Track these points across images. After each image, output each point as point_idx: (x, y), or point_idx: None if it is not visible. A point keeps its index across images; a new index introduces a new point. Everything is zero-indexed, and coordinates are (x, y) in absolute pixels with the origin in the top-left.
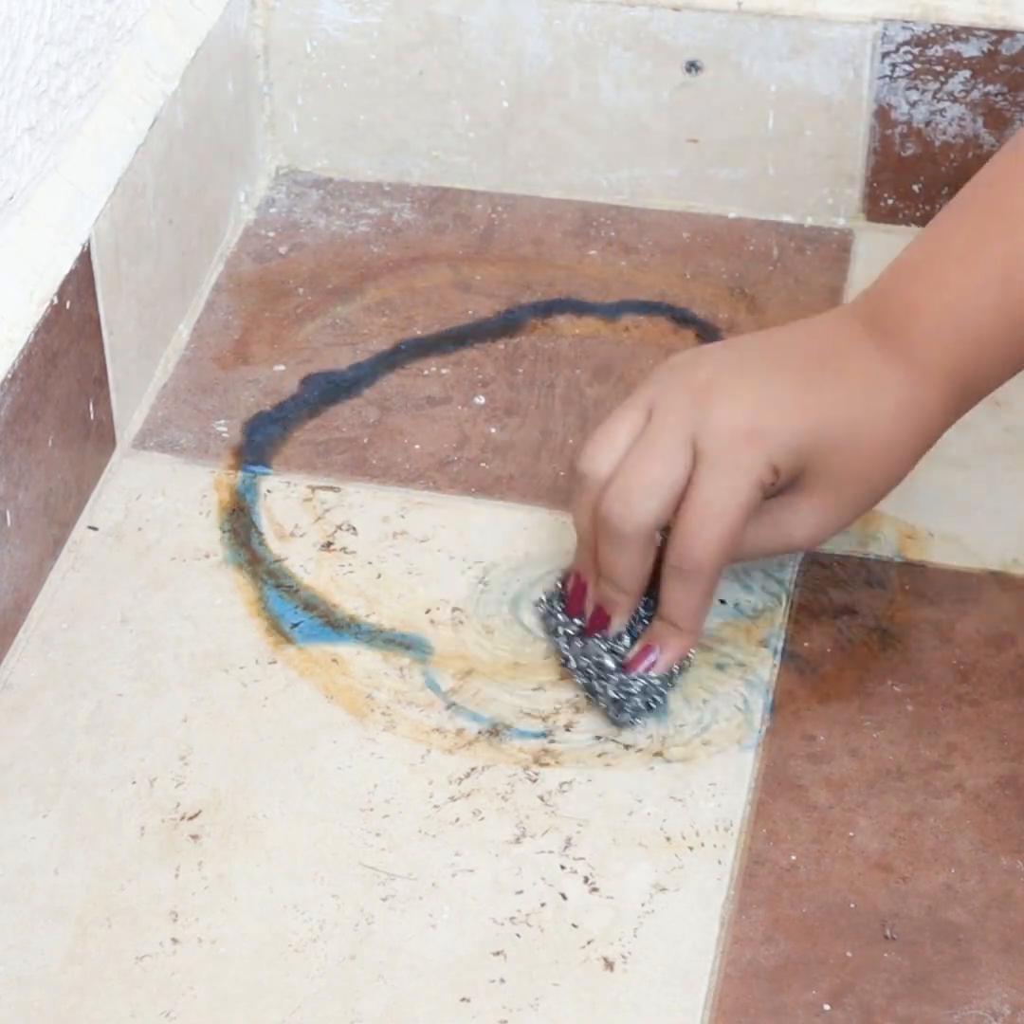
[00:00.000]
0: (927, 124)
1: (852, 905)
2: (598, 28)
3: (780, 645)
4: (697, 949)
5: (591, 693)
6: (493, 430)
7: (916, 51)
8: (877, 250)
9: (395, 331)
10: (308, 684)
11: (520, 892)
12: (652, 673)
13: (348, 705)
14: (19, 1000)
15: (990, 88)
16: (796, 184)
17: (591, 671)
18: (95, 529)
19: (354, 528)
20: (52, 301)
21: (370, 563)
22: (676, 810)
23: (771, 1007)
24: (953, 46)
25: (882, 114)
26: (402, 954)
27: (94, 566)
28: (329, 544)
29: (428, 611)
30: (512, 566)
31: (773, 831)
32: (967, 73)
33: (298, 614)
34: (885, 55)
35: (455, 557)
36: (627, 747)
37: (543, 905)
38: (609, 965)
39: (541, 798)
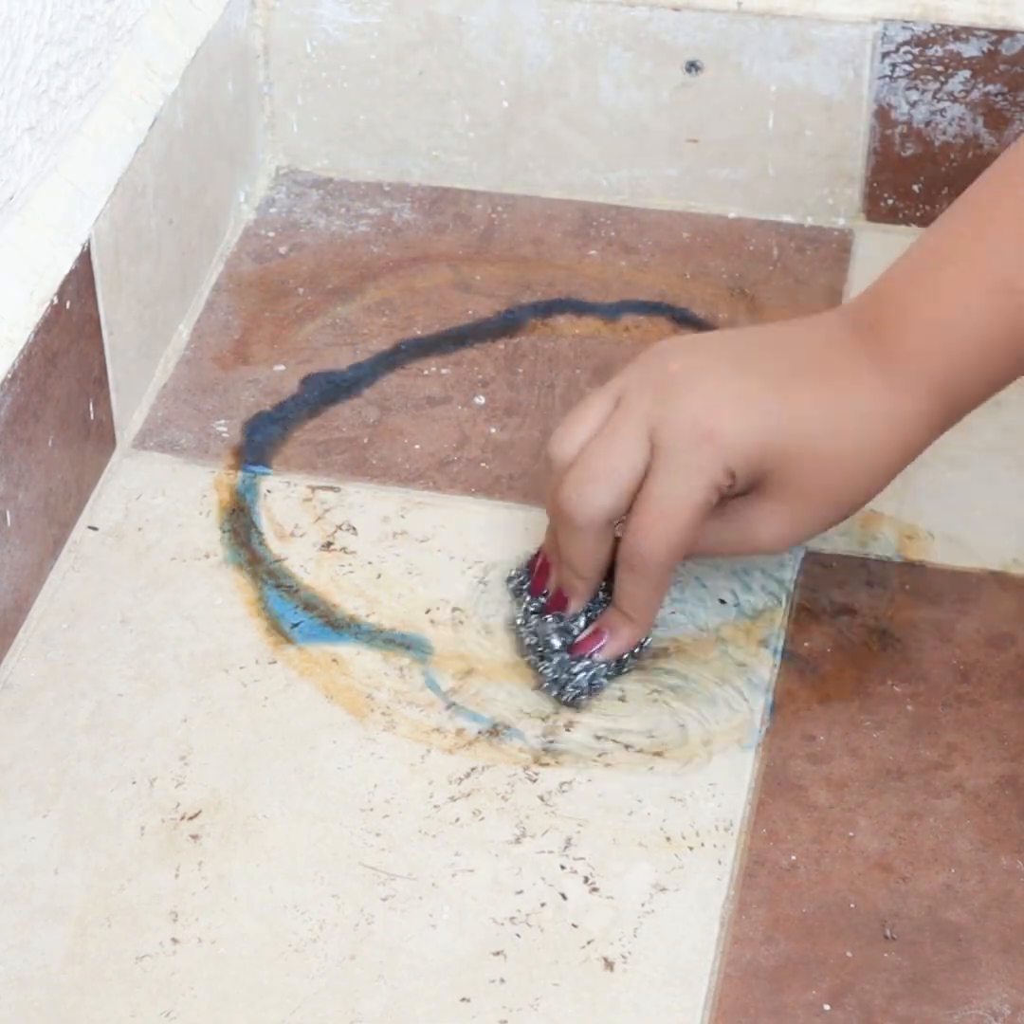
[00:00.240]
0: (927, 124)
1: (852, 905)
2: (598, 28)
3: (780, 645)
4: (697, 949)
5: (535, 671)
6: (493, 430)
7: (916, 51)
8: (877, 250)
9: (395, 331)
10: (308, 684)
11: (520, 892)
12: (598, 658)
13: (348, 705)
14: (19, 1000)
15: (990, 88)
16: (796, 184)
17: (538, 648)
18: (95, 529)
19: (354, 528)
20: (52, 301)
21: (370, 563)
22: (676, 810)
23: (771, 1007)
24: (953, 46)
25: (882, 114)
26: (402, 954)
27: (94, 566)
28: (329, 544)
29: (428, 611)
30: (512, 566)
31: (773, 831)
32: (967, 73)
33: (298, 614)
34: (885, 55)
35: (455, 557)
36: (627, 747)
37: (543, 905)
38: (609, 965)
39: (541, 798)
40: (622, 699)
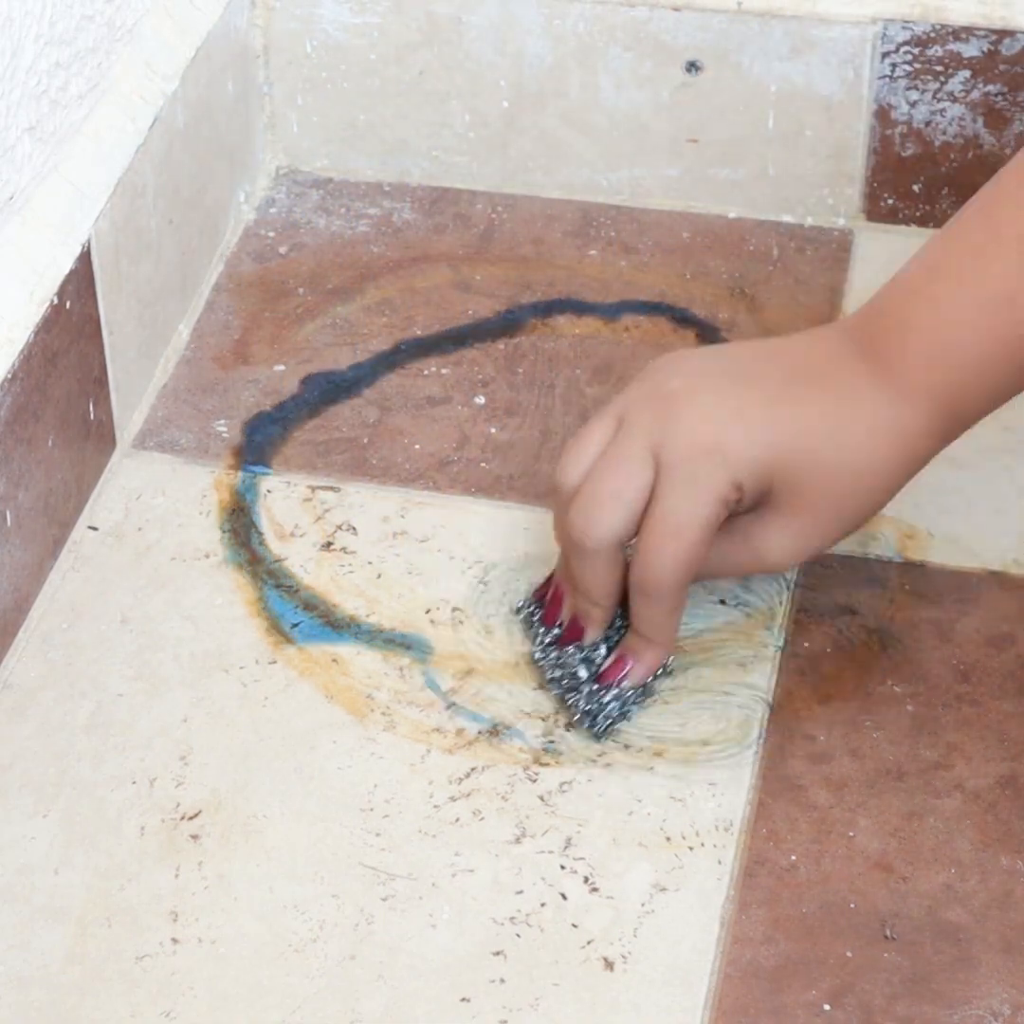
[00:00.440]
0: (927, 124)
1: (852, 905)
2: (598, 28)
3: (780, 645)
4: (697, 949)
5: (564, 703)
6: (493, 430)
7: (916, 51)
8: (877, 250)
9: (395, 331)
10: (308, 684)
11: (520, 892)
12: (626, 685)
13: (348, 705)
14: (19, 1000)
15: (990, 88)
16: (796, 184)
17: (565, 681)
18: (95, 529)
19: (354, 528)
20: (52, 301)
21: (370, 563)
22: (676, 810)
23: (771, 1007)
24: (953, 46)
25: (882, 114)
26: (402, 954)
27: (94, 566)
28: (329, 544)
29: (428, 611)
30: (512, 566)
31: (773, 831)
32: (967, 73)
33: (298, 614)
34: (885, 55)
35: (455, 557)
36: (627, 747)
37: (543, 905)
38: (609, 965)
39: (541, 798)
40: None
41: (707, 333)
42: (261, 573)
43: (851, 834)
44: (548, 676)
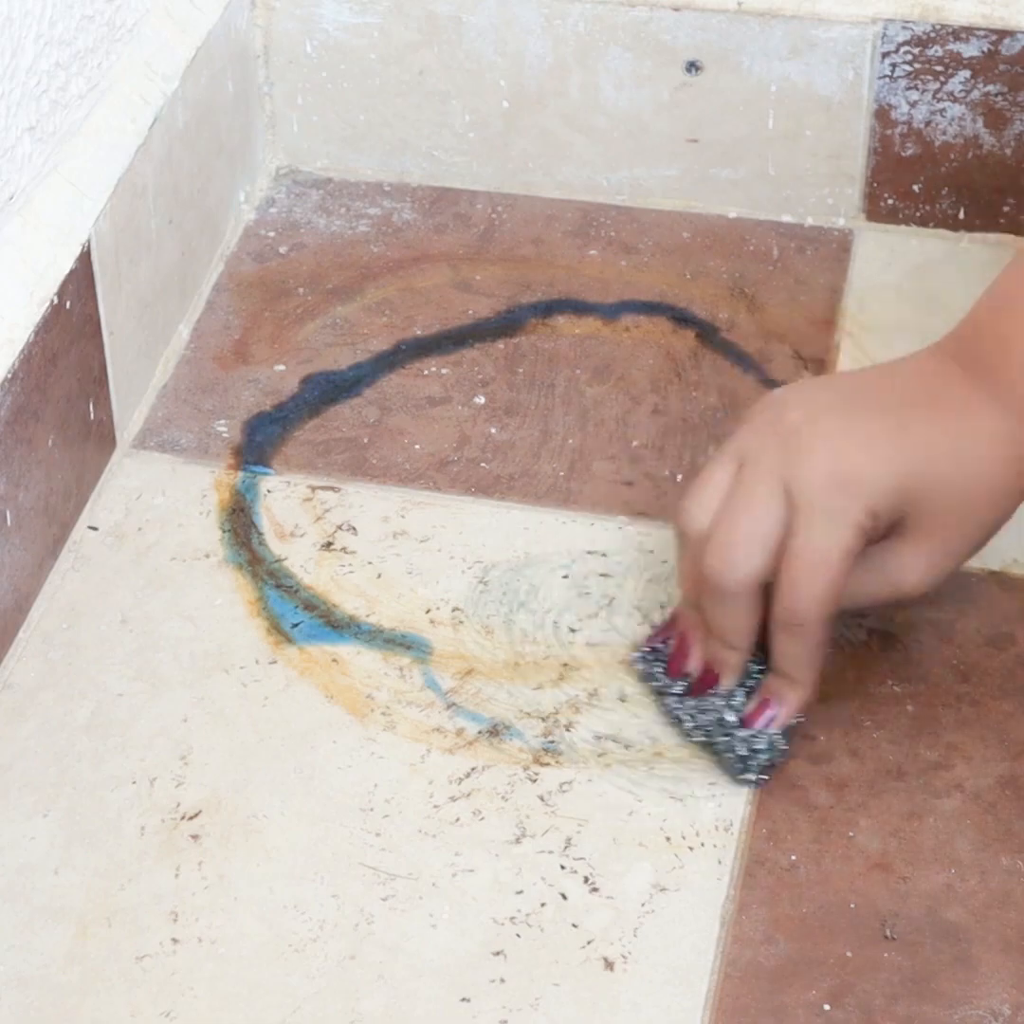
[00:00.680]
0: (927, 124)
1: (852, 905)
2: (598, 28)
3: None
4: (697, 949)
5: (713, 751)
6: (493, 430)
7: (916, 51)
8: (877, 250)
9: (395, 331)
10: (308, 684)
11: (520, 892)
12: (772, 730)
13: (348, 705)
14: (19, 1000)
15: (990, 88)
16: (796, 184)
17: (711, 728)
18: (95, 529)
19: (354, 528)
20: (52, 301)
21: (370, 563)
22: (676, 810)
23: (771, 1007)
24: (953, 46)
25: (882, 114)
26: (402, 954)
27: (94, 566)
28: (329, 544)
29: (428, 611)
30: (512, 566)
31: (773, 831)
32: (967, 73)
33: (298, 614)
34: (885, 55)
35: (455, 557)
36: (627, 747)
37: (543, 905)
38: (609, 965)
39: (541, 798)
40: (622, 699)
41: (707, 333)
42: (261, 573)
43: (851, 834)
44: (691, 724)
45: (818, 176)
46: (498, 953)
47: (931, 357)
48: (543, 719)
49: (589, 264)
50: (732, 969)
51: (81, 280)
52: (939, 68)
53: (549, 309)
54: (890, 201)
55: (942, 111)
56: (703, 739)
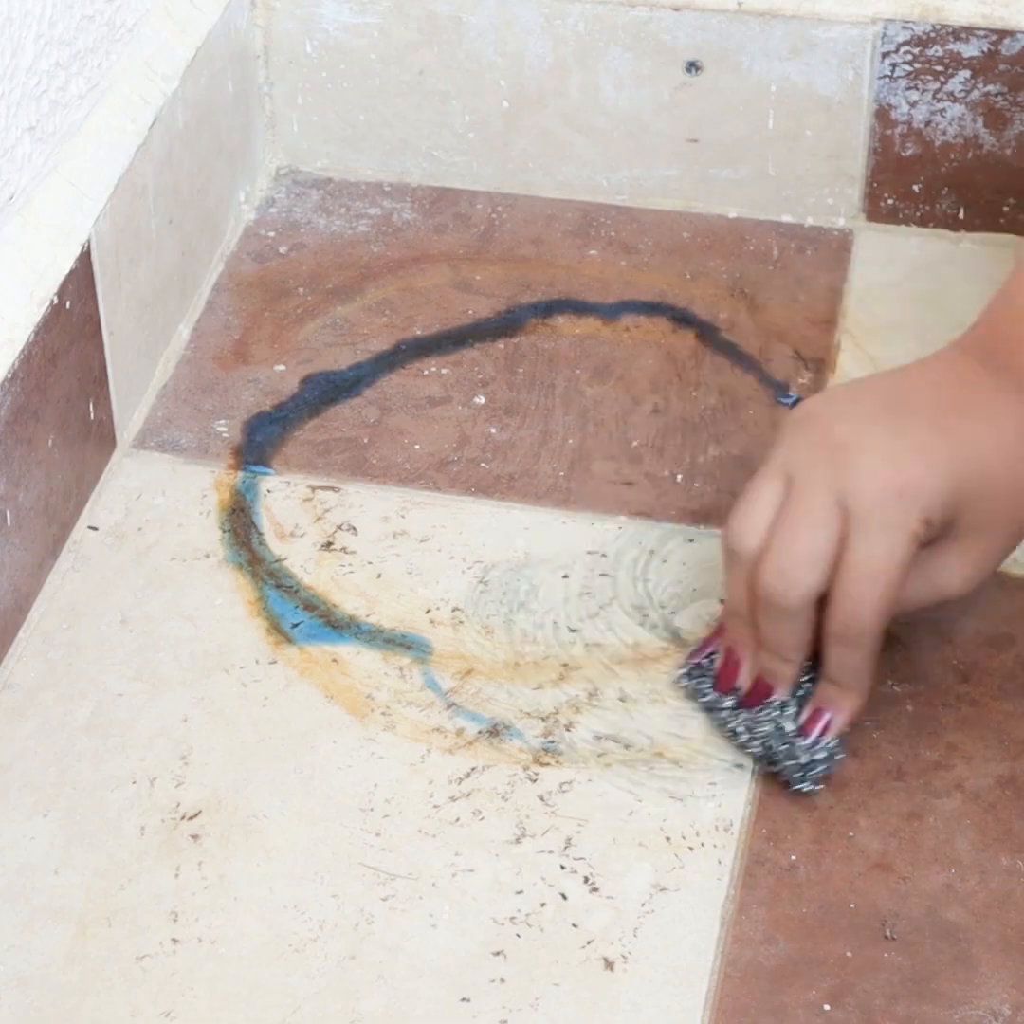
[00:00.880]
0: (927, 124)
1: (852, 905)
2: (598, 28)
3: None
4: (697, 949)
5: (771, 762)
6: (493, 430)
7: (916, 51)
8: (877, 250)
9: (395, 331)
10: (308, 684)
11: (520, 892)
12: (826, 738)
13: (348, 705)
14: (19, 1000)
15: (990, 88)
16: (796, 184)
17: (771, 740)
18: (95, 529)
19: (354, 528)
20: (52, 301)
21: (370, 563)
22: (676, 810)
23: (771, 1007)
24: (953, 46)
25: (882, 114)
26: (402, 954)
27: (94, 566)
28: (329, 544)
29: (428, 611)
30: (512, 566)
31: (773, 831)
32: (967, 73)
33: (298, 614)
34: (885, 55)
35: (455, 557)
36: (627, 747)
37: (543, 905)
38: (609, 965)
39: (541, 798)
40: (622, 699)
41: (707, 333)
42: (261, 573)
43: (851, 834)
44: (749, 737)
45: (818, 176)
46: (498, 953)
47: (955, 357)
48: (543, 719)
49: (589, 264)
50: (732, 969)
51: (81, 280)
52: (939, 68)
53: (549, 309)
54: (890, 201)
55: (942, 111)
56: (761, 750)
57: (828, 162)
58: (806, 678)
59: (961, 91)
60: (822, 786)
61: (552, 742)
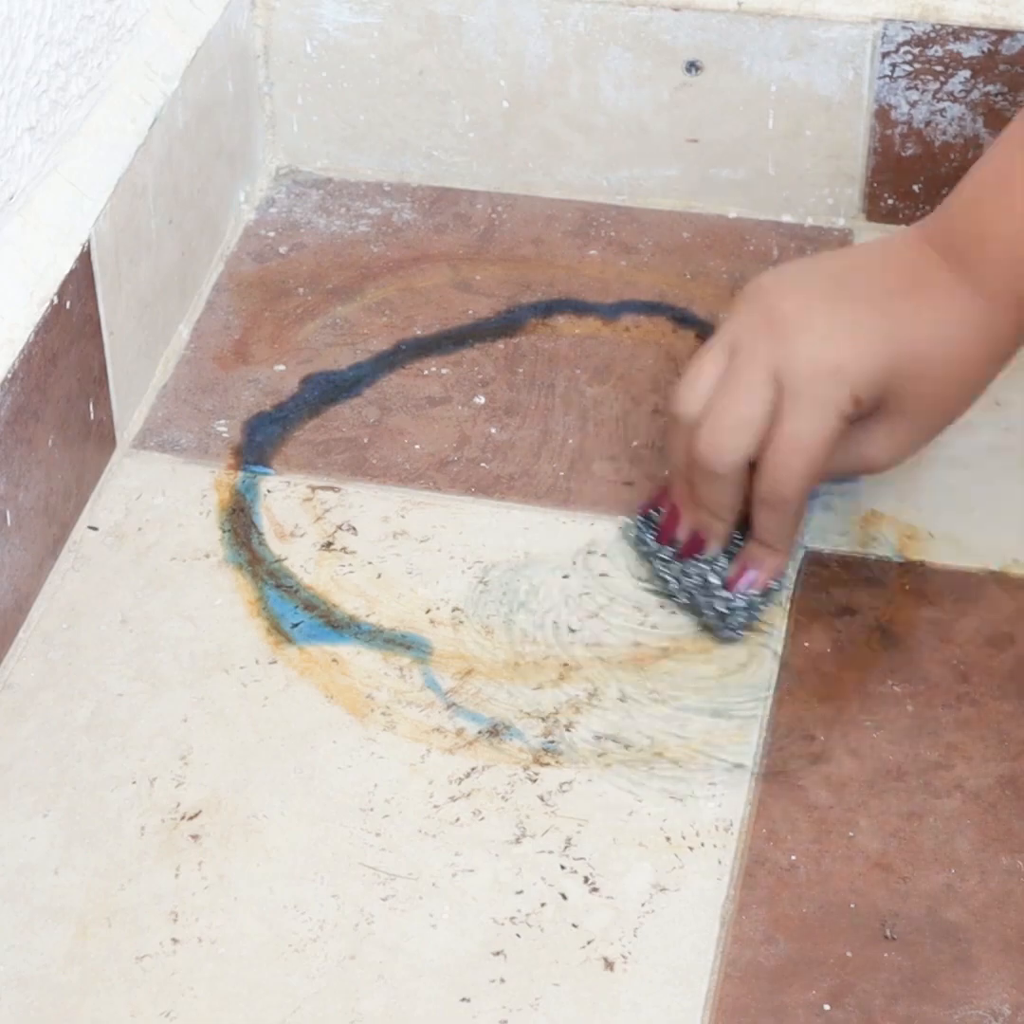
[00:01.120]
0: (927, 124)
1: (852, 905)
2: (598, 28)
3: (780, 645)
4: (697, 949)
5: (695, 611)
6: (493, 430)
7: (916, 51)
8: None
9: (395, 331)
10: (308, 684)
11: (520, 892)
12: (752, 590)
13: (348, 705)
14: (19, 1000)
15: (990, 88)
16: (796, 184)
17: (695, 589)
18: (95, 529)
19: (354, 528)
20: (52, 301)
21: (370, 563)
22: (676, 810)
23: (771, 1007)
24: (953, 46)
25: (882, 114)
26: (402, 954)
27: (94, 566)
28: (329, 544)
29: (428, 611)
30: (512, 566)
31: (773, 831)
32: (967, 73)
33: (298, 614)
34: (885, 55)
35: (455, 557)
36: (627, 747)
37: (543, 905)
38: (609, 965)
39: (541, 798)
40: (622, 699)
41: (707, 333)
42: (261, 573)
43: (851, 834)
44: (678, 585)
45: (818, 176)
46: (498, 953)
47: (910, 244)
48: (543, 719)
49: (589, 264)
50: (732, 969)
51: (81, 280)
52: (939, 68)
53: (549, 309)
54: (890, 201)
55: (942, 111)
56: (686, 600)
57: (828, 162)
58: (739, 538)
59: (961, 91)
60: (744, 634)
61: (552, 742)
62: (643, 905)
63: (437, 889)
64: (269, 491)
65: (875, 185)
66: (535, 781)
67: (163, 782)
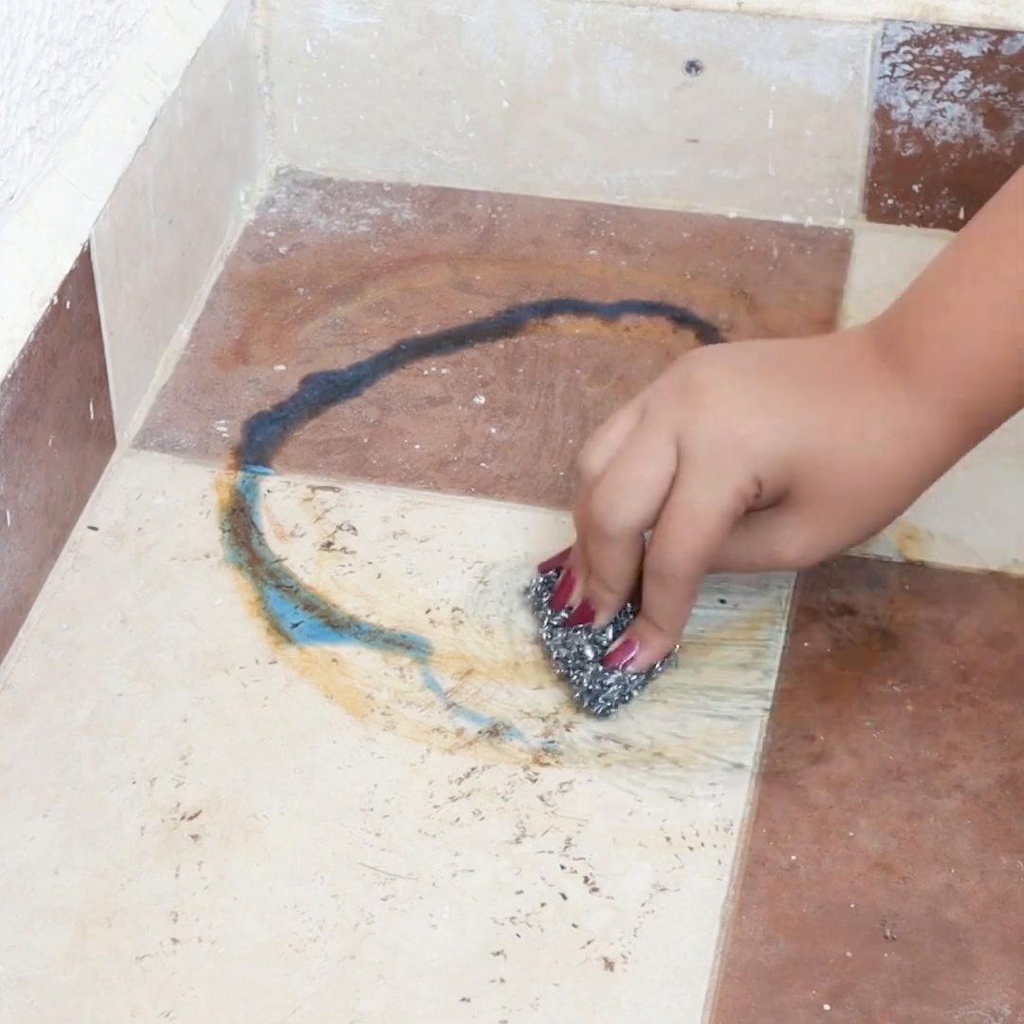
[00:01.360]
0: (927, 124)
1: (852, 905)
2: (598, 28)
3: (780, 645)
4: (697, 949)
5: (568, 682)
6: (493, 430)
7: (916, 51)
8: (877, 250)
9: (395, 331)
10: (308, 684)
11: (520, 892)
12: (631, 669)
13: (348, 705)
14: (19, 1000)
15: (990, 88)
16: (796, 184)
17: (570, 661)
18: (95, 529)
19: (354, 528)
20: (52, 301)
21: (370, 563)
22: (676, 810)
23: (771, 1007)
24: (953, 46)
25: (882, 114)
26: (402, 954)
27: (94, 566)
28: (329, 544)
29: (428, 611)
30: (512, 566)
31: (773, 831)
32: (967, 73)
33: (298, 614)
34: (885, 55)
35: (455, 557)
36: (627, 747)
37: (543, 905)
38: (609, 965)
39: (541, 798)
40: None
41: (707, 333)
42: (261, 573)
43: (851, 834)
44: (554, 655)
45: (818, 176)
46: (498, 953)
47: (854, 337)
48: (543, 719)
49: (589, 264)
50: (732, 969)
51: (81, 280)
52: (939, 68)
53: (549, 309)
54: (890, 201)
55: (942, 111)
56: (561, 670)
57: (828, 162)
58: (633, 610)
59: (961, 91)
60: (612, 713)
61: (552, 742)
62: (643, 905)
63: (437, 889)
64: (269, 491)
65: (875, 185)
66: (535, 781)
67: (163, 782)
